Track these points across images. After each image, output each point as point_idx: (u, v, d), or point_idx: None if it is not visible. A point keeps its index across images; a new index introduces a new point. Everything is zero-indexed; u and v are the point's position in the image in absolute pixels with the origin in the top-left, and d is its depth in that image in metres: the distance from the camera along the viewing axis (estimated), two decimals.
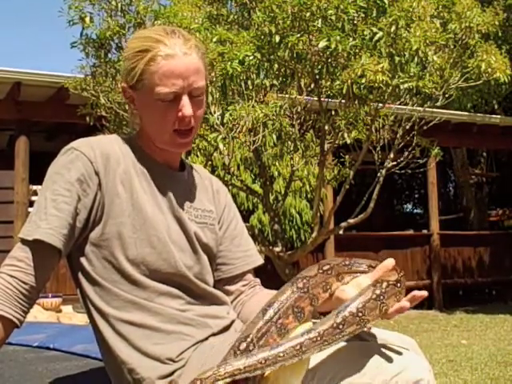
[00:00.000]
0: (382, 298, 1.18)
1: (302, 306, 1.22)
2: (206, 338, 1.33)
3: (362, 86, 4.62)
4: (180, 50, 1.32)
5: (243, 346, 1.17)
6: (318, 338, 1.12)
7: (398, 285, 1.22)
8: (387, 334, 1.36)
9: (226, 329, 1.37)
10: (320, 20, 4.62)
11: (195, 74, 1.33)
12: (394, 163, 5.92)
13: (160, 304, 1.31)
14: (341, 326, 1.14)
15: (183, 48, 1.33)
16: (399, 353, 1.26)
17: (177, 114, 1.33)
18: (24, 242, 1.26)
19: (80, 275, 1.34)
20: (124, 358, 1.29)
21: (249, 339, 1.17)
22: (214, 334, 1.34)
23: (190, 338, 1.31)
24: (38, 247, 1.25)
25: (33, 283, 1.24)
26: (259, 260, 1.56)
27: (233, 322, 1.41)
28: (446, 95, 5.77)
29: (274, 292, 1.31)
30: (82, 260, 1.32)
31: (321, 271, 1.27)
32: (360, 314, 1.15)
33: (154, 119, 1.35)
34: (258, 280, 1.56)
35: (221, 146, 4.94)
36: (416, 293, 1.23)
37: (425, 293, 1.23)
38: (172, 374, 1.28)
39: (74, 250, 1.32)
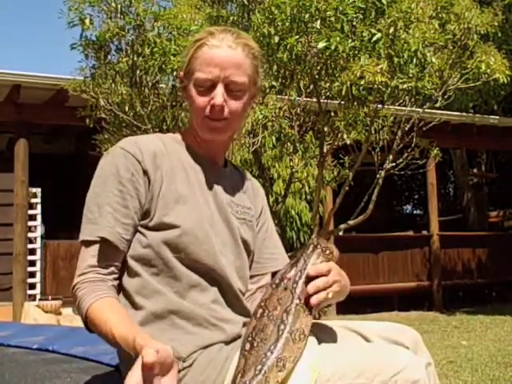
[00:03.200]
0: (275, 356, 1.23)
1: (280, 296, 1.30)
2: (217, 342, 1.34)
3: (361, 87, 4.62)
4: (226, 44, 1.38)
5: (248, 346, 1.25)
6: None
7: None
8: (390, 327, 1.37)
9: (236, 339, 1.37)
10: (319, 21, 4.63)
11: (234, 68, 1.38)
12: (394, 164, 5.92)
13: (188, 299, 1.33)
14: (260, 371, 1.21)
15: (230, 42, 1.39)
16: (398, 352, 1.26)
17: (209, 101, 1.38)
18: (88, 242, 1.32)
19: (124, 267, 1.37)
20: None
21: (250, 338, 1.26)
22: (225, 342, 1.35)
23: (203, 340, 1.32)
24: (103, 245, 1.32)
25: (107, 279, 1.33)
26: (283, 265, 1.58)
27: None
28: (445, 96, 5.77)
29: None
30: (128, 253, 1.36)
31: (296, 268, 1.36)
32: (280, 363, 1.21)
33: (191, 104, 1.42)
34: None
35: None
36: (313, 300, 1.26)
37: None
38: (178, 372, 1.28)
39: None
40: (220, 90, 1.37)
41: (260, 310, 1.30)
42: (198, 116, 1.41)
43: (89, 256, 1.32)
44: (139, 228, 1.35)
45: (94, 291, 1.29)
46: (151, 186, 1.34)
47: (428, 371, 1.27)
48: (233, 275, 1.41)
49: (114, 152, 1.37)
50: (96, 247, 1.31)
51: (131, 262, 1.35)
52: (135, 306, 1.34)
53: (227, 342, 1.35)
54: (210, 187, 1.43)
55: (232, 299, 1.40)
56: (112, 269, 1.34)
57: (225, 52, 1.37)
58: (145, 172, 1.34)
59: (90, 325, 1.29)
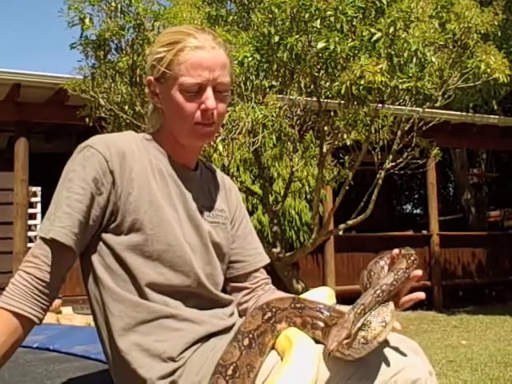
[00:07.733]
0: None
1: (294, 319, 1.32)
2: (208, 339, 1.33)
3: (360, 87, 4.62)
4: (209, 44, 1.35)
5: (246, 341, 1.25)
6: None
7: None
8: (389, 336, 1.36)
9: (227, 330, 1.37)
10: (319, 21, 4.63)
11: (221, 69, 1.35)
12: (394, 164, 5.92)
13: (164, 303, 1.31)
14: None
15: (212, 43, 1.36)
16: (398, 353, 1.26)
17: (199, 106, 1.34)
18: (41, 239, 1.27)
19: (91, 274, 1.33)
20: (125, 355, 1.29)
21: (250, 335, 1.25)
22: (214, 334, 1.34)
23: (191, 335, 1.31)
24: (53, 245, 1.25)
25: (48, 279, 1.24)
26: (267, 258, 1.59)
27: (234, 324, 1.40)
28: (445, 96, 5.77)
29: (287, 294, 1.43)
30: (94, 258, 1.32)
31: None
32: None
33: (177, 111, 1.35)
34: (269, 278, 1.57)
35: (220, 147, 4.94)
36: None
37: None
38: (173, 373, 1.28)
39: (89, 247, 1.32)
40: (210, 93, 1.33)
41: (269, 314, 1.30)
42: (185, 123, 1.36)
43: (43, 248, 1.26)
44: (105, 232, 1.31)
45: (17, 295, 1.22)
46: (117, 188, 1.30)
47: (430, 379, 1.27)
48: (205, 281, 1.38)
49: (82, 149, 1.31)
50: (46, 245, 1.26)
51: (98, 269, 1.31)
52: (111, 314, 1.30)
53: (216, 333, 1.34)
54: (180, 193, 1.39)
55: (208, 302, 1.38)
56: (58, 269, 1.27)
57: (211, 54, 1.34)
58: (111, 172, 1.29)
59: None
